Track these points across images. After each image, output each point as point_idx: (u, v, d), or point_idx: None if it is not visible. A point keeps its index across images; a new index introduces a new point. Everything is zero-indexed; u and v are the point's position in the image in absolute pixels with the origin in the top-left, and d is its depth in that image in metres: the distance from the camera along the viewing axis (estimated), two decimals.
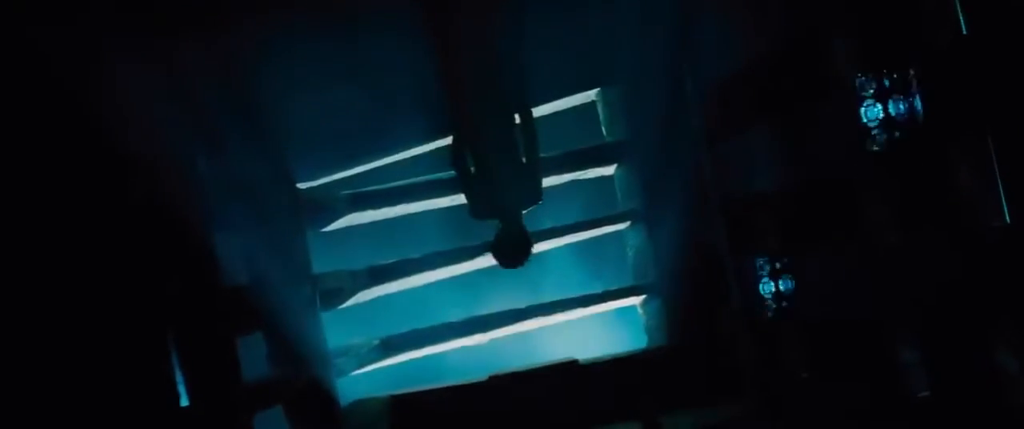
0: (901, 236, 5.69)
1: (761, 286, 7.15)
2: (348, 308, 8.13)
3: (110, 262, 5.52)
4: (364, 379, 8.10)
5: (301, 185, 8.07)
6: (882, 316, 5.99)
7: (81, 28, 5.49)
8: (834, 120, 5.96)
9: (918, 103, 5.51)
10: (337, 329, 7.99)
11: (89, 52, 5.52)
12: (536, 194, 7.06)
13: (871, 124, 5.63)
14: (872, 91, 5.63)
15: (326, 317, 7.92)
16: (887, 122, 5.59)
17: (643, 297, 8.51)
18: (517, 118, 6.97)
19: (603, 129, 8.60)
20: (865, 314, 6.15)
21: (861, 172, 5.83)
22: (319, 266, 7.95)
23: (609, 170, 8.57)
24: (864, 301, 6.13)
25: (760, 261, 7.15)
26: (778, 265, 7.05)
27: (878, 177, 5.74)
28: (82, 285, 5.40)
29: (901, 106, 5.56)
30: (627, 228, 8.55)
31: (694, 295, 7.99)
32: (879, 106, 5.62)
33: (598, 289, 8.46)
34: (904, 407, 5.87)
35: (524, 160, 6.97)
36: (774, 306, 7.12)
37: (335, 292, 8.00)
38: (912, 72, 5.53)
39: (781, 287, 7.06)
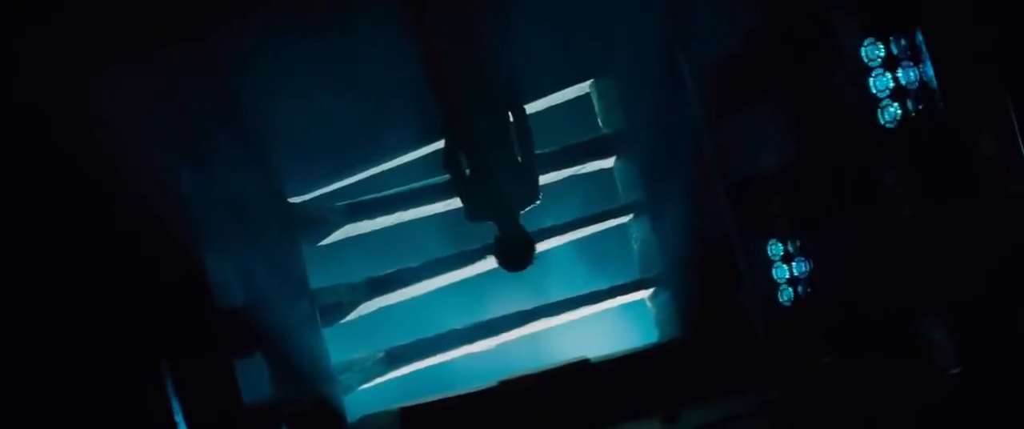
0: (921, 209, 5.53)
1: (774, 271, 7.03)
2: (350, 322, 8.00)
3: (94, 290, 5.36)
4: (371, 394, 7.97)
5: (293, 199, 7.93)
6: (905, 294, 5.83)
7: (51, 37, 5.31)
8: (841, 93, 5.80)
9: (929, 69, 5.34)
10: (340, 344, 7.86)
11: (62, 64, 5.36)
12: (533, 193, 6.98)
13: (881, 95, 5.48)
14: (879, 60, 5.46)
15: (327, 333, 7.79)
16: (898, 91, 5.43)
17: (652, 290, 8.36)
18: (510, 116, 6.88)
19: (599, 121, 8.45)
20: (887, 293, 5.99)
21: (874, 145, 5.67)
22: (317, 281, 7.83)
23: (608, 162, 8.43)
24: (885, 279, 5.97)
25: (772, 245, 7.02)
26: (791, 248, 6.91)
27: (892, 149, 5.58)
28: (65, 317, 5.24)
29: (911, 74, 5.40)
30: (630, 221, 8.41)
31: (705, 284, 7.86)
32: (888, 75, 5.49)
33: (604, 285, 8.31)
34: (934, 386, 5.70)
35: (519, 158, 6.89)
36: (789, 290, 7.00)
37: (335, 307, 7.88)
38: (920, 36, 5.35)
39: (795, 270, 6.94)
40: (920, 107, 5.42)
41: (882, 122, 5.54)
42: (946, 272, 5.50)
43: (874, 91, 5.51)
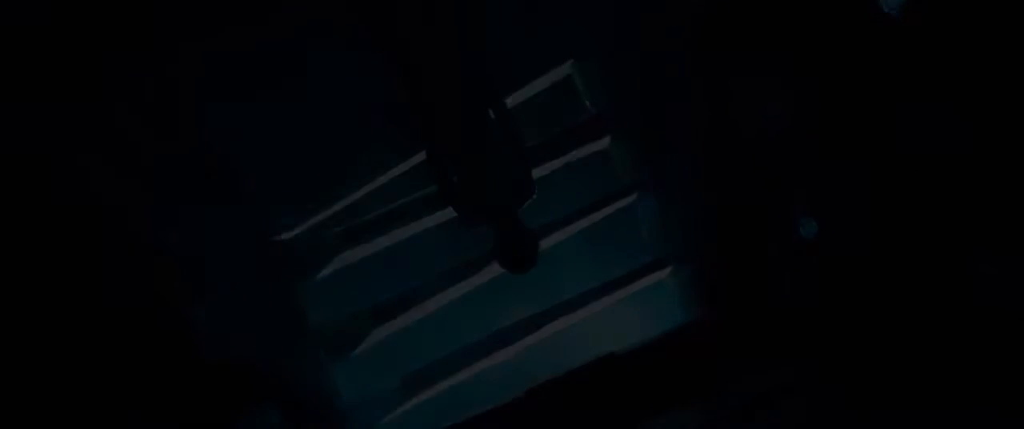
0: (957, 132, 5.18)
1: (801, 229, 6.79)
2: (359, 355, 7.76)
3: (71, 358, 5.06)
4: (393, 427, 7.74)
5: (278, 237, 7.66)
6: (950, 231, 5.49)
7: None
8: (849, 16, 5.44)
9: None
10: (352, 380, 7.67)
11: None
12: (529, 187, 6.89)
13: (892, 11, 5.14)
14: None
15: (337, 370, 7.61)
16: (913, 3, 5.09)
17: (669, 269, 8.07)
18: (490, 112, 6.76)
19: (586, 102, 8.09)
20: (930, 233, 5.66)
21: (895, 68, 5.32)
22: (317, 317, 7.61)
23: (603, 144, 8.06)
24: (926, 218, 5.65)
25: (794, 201, 6.80)
26: (816, 201, 6.60)
27: (916, 68, 5.23)
28: (38, 391, 4.94)
29: None
30: (636, 200, 8.10)
31: (725, 255, 7.63)
32: None
33: (619, 273, 8.03)
34: (994, 325, 5.37)
35: (506, 153, 6.77)
36: (819, 247, 6.75)
37: (340, 341, 7.66)
38: None
39: (824, 225, 6.63)
40: (941, 10, 5.07)
41: (900, 40, 5.20)
42: (992, 198, 5.16)
43: (887, 10, 5.18)
